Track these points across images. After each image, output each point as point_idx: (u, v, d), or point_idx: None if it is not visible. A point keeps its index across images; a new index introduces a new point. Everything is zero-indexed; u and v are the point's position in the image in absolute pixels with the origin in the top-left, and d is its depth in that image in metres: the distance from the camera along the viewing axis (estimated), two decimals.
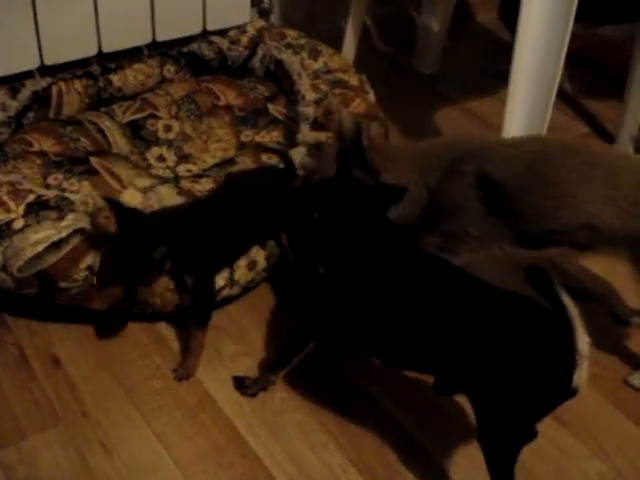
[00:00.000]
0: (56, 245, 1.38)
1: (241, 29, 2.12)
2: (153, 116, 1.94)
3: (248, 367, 1.47)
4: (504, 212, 1.39)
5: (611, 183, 1.34)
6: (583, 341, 1.07)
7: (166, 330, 1.55)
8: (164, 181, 1.73)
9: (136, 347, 1.51)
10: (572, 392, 1.08)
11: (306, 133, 1.75)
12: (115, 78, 1.99)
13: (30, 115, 1.88)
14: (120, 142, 1.85)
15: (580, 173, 1.35)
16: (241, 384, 1.42)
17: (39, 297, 1.44)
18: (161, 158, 1.86)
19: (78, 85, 1.94)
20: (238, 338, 1.53)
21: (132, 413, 1.39)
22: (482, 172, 1.37)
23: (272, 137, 1.91)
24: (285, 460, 1.33)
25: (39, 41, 1.80)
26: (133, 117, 1.93)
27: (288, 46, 2.07)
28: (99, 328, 1.52)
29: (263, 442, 1.36)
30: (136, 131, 1.90)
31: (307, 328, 1.36)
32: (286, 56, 2.03)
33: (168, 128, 1.92)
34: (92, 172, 1.70)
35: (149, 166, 1.83)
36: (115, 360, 1.48)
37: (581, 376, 1.07)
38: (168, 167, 1.84)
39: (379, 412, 1.41)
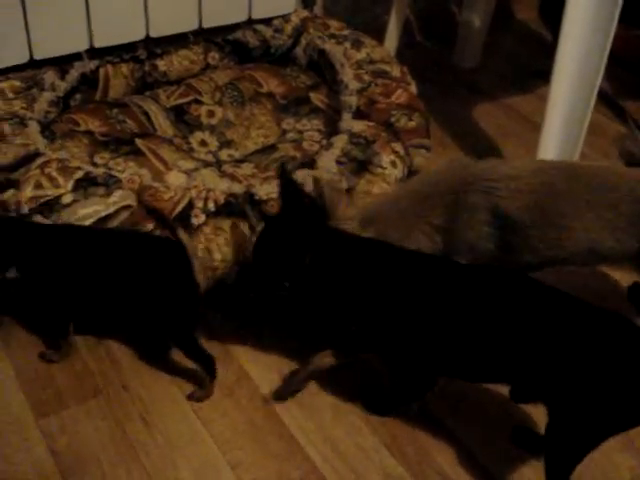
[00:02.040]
0: (103, 220, 1.41)
1: (285, 18, 2.14)
2: (197, 101, 1.97)
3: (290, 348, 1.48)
4: (510, 245, 1.37)
5: (608, 204, 1.34)
6: None
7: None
8: (207, 164, 1.76)
9: None
10: None
11: (349, 122, 1.76)
12: (161, 63, 2.02)
13: (77, 96, 1.91)
14: (164, 125, 1.88)
15: (581, 200, 1.35)
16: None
17: None
18: (203, 143, 1.88)
19: (125, 68, 1.97)
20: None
21: (171, 388, 1.42)
22: (494, 207, 1.34)
23: (313, 125, 1.93)
24: (319, 440, 1.35)
25: (89, 23, 1.83)
26: (177, 102, 1.96)
27: (331, 36, 2.08)
28: None
29: (298, 422, 1.38)
30: (180, 115, 1.93)
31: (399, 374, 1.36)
32: (329, 46, 2.05)
33: (211, 114, 1.95)
34: (137, 153, 1.73)
35: (191, 150, 1.85)
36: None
37: None
38: (210, 152, 1.86)
39: None
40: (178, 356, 1.43)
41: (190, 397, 1.40)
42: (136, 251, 1.36)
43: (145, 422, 1.37)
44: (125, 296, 1.38)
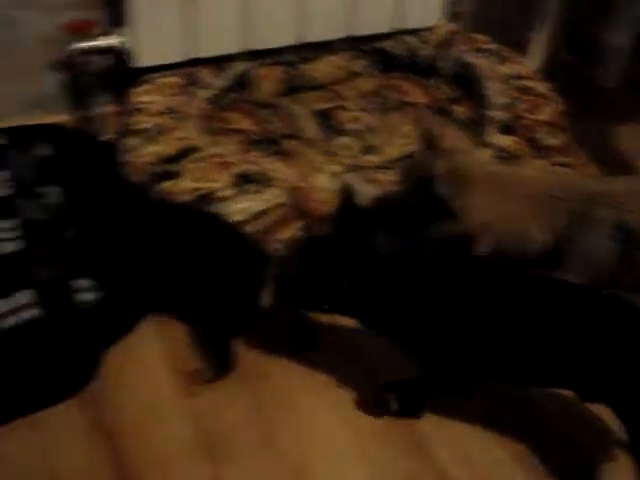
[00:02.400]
0: (257, 216, 1.47)
1: (432, 30, 2.16)
2: (342, 107, 2.02)
3: None
4: (631, 260, 1.35)
5: None
6: None
7: None
8: (351, 169, 1.81)
9: None
10: None
11: (494, 136, 1.77)
12: (308, 67, 2.09)
13: (230, 95, 1.99)
14: (310, 128, 1.94)
15: None
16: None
17: None
18: (346, 147, 1.93)
19: (275, 71, 2.04)
20: None
21: (310, 382, 1.46)
22: (620, 221, 1.33)
23: (456, 137, 1.95)
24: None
25: (247, 27, 1.90)
26: (323, 106, 2.01)
27: (477, 50, 2.10)
28: None
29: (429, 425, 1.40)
30: (325, 120, 1.98)
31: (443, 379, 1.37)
32: (475, 60, 2.07)
33: (355, 119, 1.99)
34: (286, 153, 1.79)
35: (334, 154, 1.90)
36: None
37: None
38: (353, 156, 1.91)
39: None
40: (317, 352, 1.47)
41: (194, 375, 1.44)
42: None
43: (284, 411, 1.41)
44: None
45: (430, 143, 1.37)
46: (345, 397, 1.44)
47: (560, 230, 1.34)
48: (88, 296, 1.46)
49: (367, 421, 1.40)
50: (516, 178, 1.40)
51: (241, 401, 1.43)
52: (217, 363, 1.46)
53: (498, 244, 1.37)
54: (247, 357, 1.50)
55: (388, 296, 1.28)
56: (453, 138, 1.41)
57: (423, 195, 1.32)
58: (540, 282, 1.28)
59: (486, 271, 1.31)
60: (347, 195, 1.30)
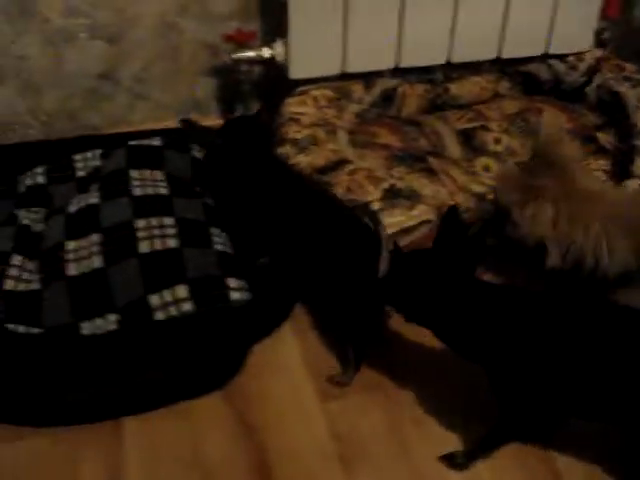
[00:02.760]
0: (406, 231, 1.51)
1: (579, 56, 2.15)
2: (484, 127, 2.04)
3: None
4: None
5: None
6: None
7: None
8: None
9: None
10: None
11: None
12: (453, 87, 2.11)
13: (374, 110, 2.03)
14: (453, 147, 1.96)
15: None
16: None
17: None
18: (487, 168, 1.94)
19: (420, 89, 2.08)
20: None
21: (446, 397, 1.48)
22: None
23: (598, 165, 1.94)
24: None
25: (399, 45, 1.95)
26: (466, 126, 2.04)
27: (626, 79, 2.08)
28: None
29: None
30: (467, 139, 2.00)
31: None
32: (623, 88, 2.04)
33: (497, 141, 2.01)
34: (430, 171, 1.82)
35: (475, 174, 1.92)
36: None
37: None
38: (493, 177, 1.92)
39: None
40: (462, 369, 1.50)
41: (329, 379, 1.48)
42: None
43: (418, 425, 1.44)
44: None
45: (547, 146, 1.36)
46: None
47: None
48: (237, 295, 1.51)
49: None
50: (614, 196, 1.40)
51: (377, 409, 1.46)
52: (349, 367, 1.49)
53: (575, 258, 1.36)
54: (385, 364, 1.53)
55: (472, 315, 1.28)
56: (573, 147, 1.39)
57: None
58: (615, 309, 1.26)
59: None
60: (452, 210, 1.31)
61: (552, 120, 1.41)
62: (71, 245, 1.58)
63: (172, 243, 1.57)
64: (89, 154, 1.91)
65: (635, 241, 1.33)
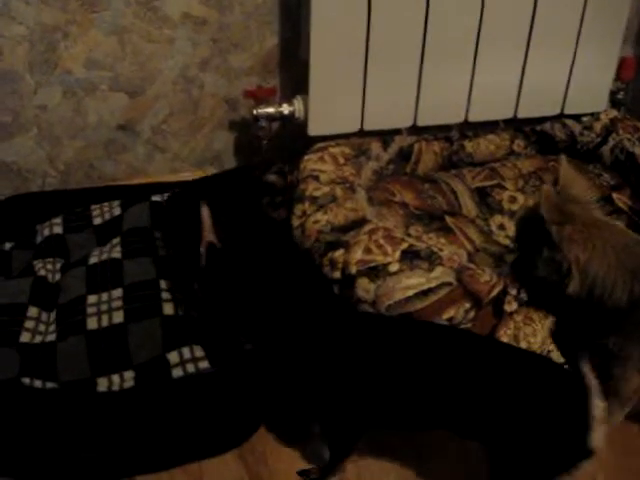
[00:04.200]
0: (424, 293, 1.51)
1: (595, 116, 2.17)
2: (500, 186, 2.04)
3: None
4: None
5: None
6: (598, 407, 1.18)
7: None
8: (510, 251, 1.82)
9: None
10: (588, 453, 1.17)
11: None
12: (468, 144, 2.13)
13: (390, 167, 2.05)
14: (469, 205, 1.97)
15: None
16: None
17: None
18: (502, 227, 1.95)
19: (436, 146, 2.09)
20: None
21: None
22: None
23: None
24: None
25: (417, 105, 1.97)
26: (481, 184, 2.04)
27: None
28: None
29: None
30: (483, 197, 2.01)
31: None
32: (638, 150, 2.05)
33: (513, 199, 2.01)
34: (447, 230, 1.82)
35: (490, 232, 1.93)
36: None
37: (596, 438, 1.16)
38: (507, 236, 1.92)
39: None
40: None
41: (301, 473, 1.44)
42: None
43: None
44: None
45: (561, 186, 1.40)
46: None
47: (637, 296, 1.34)
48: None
49: None
50: (623, 233, 1.42)
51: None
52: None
53: (590, 287, 1.38)
54: None
55: None
56: (583, 187, 1.43)
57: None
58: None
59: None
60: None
61: (568, 165, 1.44)
62: (92, 299, 1.58)
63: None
64: (106, 204, 1.91)
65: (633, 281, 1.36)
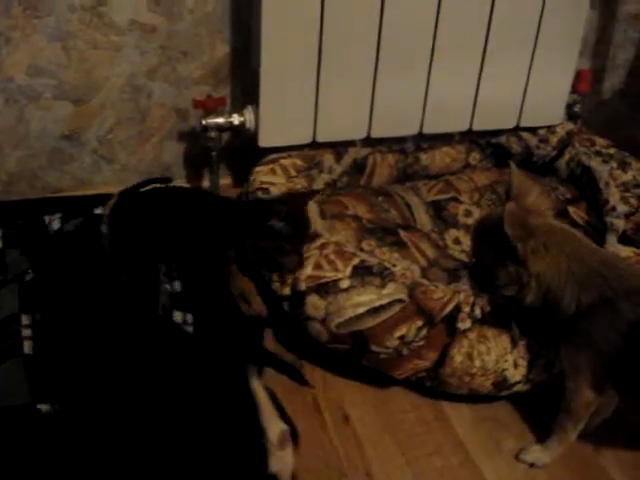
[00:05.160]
0: (376, 310, 1.47)
1: (551, 129, 2.15)
2: (455, 199, 2.02)
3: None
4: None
5: None
6: (274, 430, 1.12)
7: (448, 409, 1.58)
8: (465, 266, 1.79)
9: (420, 422, 1.55)
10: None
11: (615, 245, 1.74)
12: (424, 157, 2.10)
13: (344, 179, 2.00)
14: (424, 219, 1.93)
15: None
16: None
17: (348, 355, 1.53)
18: (457, 241, 1.92)
19: (391, 158, 2.06)
20: (518, 434, 1.53)
21: None
22: (638, 326, 1.29)
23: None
24: None
25: (371, 115, 1.93)
26: (436, 197, 2.01)
27: (597, 153, 2.08)
28: (388, 395, 1.59)
29: None
30: (438, 211, 1.98)
31: None
32: (595, 163, 2.04)
33: (468, 213, 1.99)
34: (401, 244, 1.78)
35: (445, 247, 1.89)
36: (400, 429, 1.53)
37: (277, 463, 1.13)
38: (463, 251, 1.89)
39: None
40: (423, 449, 1.45)
41: None
42: None
43: None
44: None
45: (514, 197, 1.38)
46: None
47: (584, 306, 1.33)
48: None
49: None
50: (578, 242, 1.40)
51: None
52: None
53: (544, 296, 1.38)
54: (348, 451, 1.46)
55: None
56: (536, 194, 1.41)
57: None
58: None
59: None
60: None
61: (519, 173, 1.41)
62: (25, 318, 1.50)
63: None
64: (46, 218, 1.83)
65: (581, 292, 1.35)
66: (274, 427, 1.16)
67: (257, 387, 1.18)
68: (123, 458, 1.18)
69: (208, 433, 1.20)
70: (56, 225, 1.78)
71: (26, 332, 1.48)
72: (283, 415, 1.30)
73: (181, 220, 1.58)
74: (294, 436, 1.32)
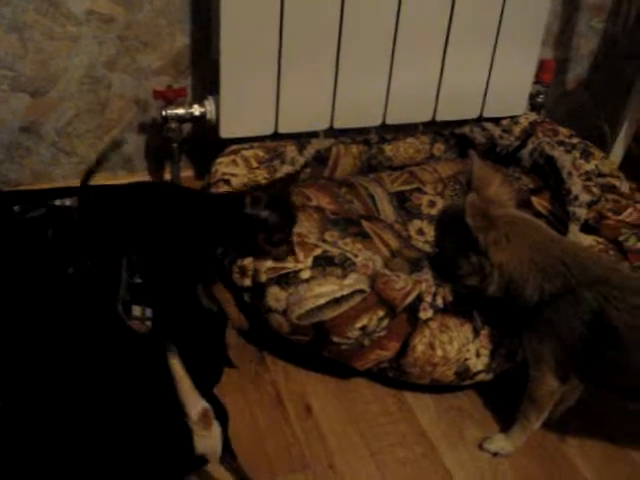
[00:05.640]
0: (337, 301, 1.45)
1: (514, 120, 2.15)
2: (419, 190, 2.01)
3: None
4: (604, 360, 1.33)
5: None
6: (195, 408, 1.11)
7: (412, 400, 1.57)
8: (428, 256, 1.78)
9: (384, 412, 1.54)
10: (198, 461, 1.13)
11: (577, 234, 1.74)
12: (387, 148, 2.09)
13: (307, 170, 1.99)
14: (387, 210, 1.93)
15: None
16: None
17: (309, 346, 1.51)
18: (421, 232, 1.91)
19: (354, 149, 2.05)
20: (482, 423, 1.53)
21: (375, 476, 1.42)
22: (602, 315, 1.29)
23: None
24: None
25: (333, 107, 1.92)
26: (400, 188, 2.01)
27: (560, 143, 2.08)
28: (350, 386, 1.58)
29: None
30: (402, 202, 1.97)
31: None
32: (557, 153, 2.04)
33: (432, 204, 1.98)
34: (364, 235, 1.77)
35: (409, 237, 1.88)
36: (363, 420, 1.52)
37: (201, 443, 1.11)
38: (427, 241, 1.89)
39: None
40: (386, 439, 1.45)
41: None
42: None
43: None
44: None
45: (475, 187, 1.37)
46: None
47: (547, 295, 1.33)
48: None
49: None
50: (540, 231, 1.40)
51: None
52: None
53: (506, 285, 1.37)
54: (310, 442, 1.45)
55: None
56: (497, 184, 1.40)
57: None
58: None
59: None
60: None
61: (480, 163, 1.40)
62: None
63: None
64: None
65: (544, 281, 1.35)
66: (194, 405, 1.14)
67: (175, 364, 1.15)
68: (55, 454, 1.16)
69: (135, 417, 1.19)
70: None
71: None
72: (208, 394, 1.28)
73: (150, 214, 1.55)
74: (223, 416, 1.29)
